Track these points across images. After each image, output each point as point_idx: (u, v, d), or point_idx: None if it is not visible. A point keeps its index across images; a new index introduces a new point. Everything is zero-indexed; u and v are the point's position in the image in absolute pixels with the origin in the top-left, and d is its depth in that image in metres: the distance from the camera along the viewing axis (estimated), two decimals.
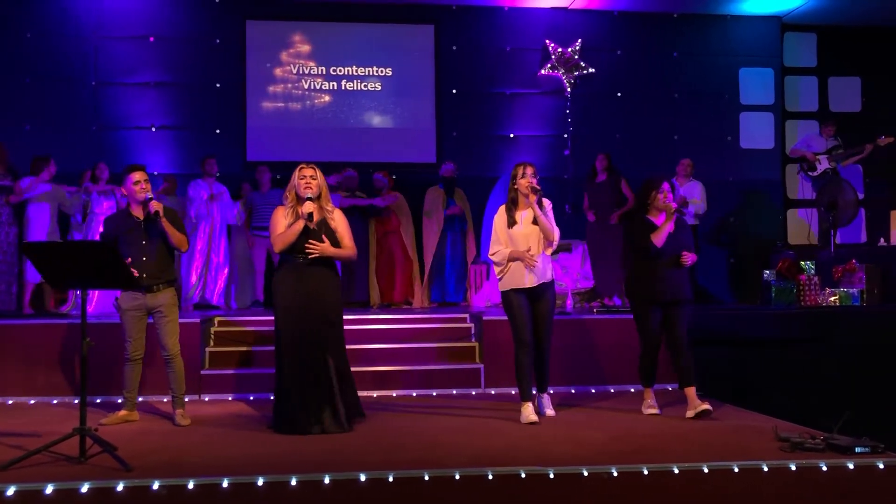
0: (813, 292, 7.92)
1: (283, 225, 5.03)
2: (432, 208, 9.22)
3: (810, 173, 9.54)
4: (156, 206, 5.09)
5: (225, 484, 3.70)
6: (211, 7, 9.98)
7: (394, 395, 6.46)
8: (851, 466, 4.02)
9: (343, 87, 10.18)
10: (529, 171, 5.27)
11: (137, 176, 5.16)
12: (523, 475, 3.87)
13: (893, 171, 10.48)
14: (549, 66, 10.30)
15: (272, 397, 5.28)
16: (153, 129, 9.81)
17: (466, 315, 7.51)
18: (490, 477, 3.85)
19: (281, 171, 9.08)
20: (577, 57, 10.27)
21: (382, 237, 9.21)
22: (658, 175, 5.74)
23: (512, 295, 5.27)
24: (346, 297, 8.94)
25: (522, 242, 5.24)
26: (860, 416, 5.83)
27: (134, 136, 9.75)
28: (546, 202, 5.35)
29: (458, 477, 3.82)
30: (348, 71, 10.18)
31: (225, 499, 3.66)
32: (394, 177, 9.78)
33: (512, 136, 10.35)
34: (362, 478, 3.77)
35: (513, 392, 6.26)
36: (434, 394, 6.49)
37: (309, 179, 5.04)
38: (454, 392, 6.54)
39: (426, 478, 3.80)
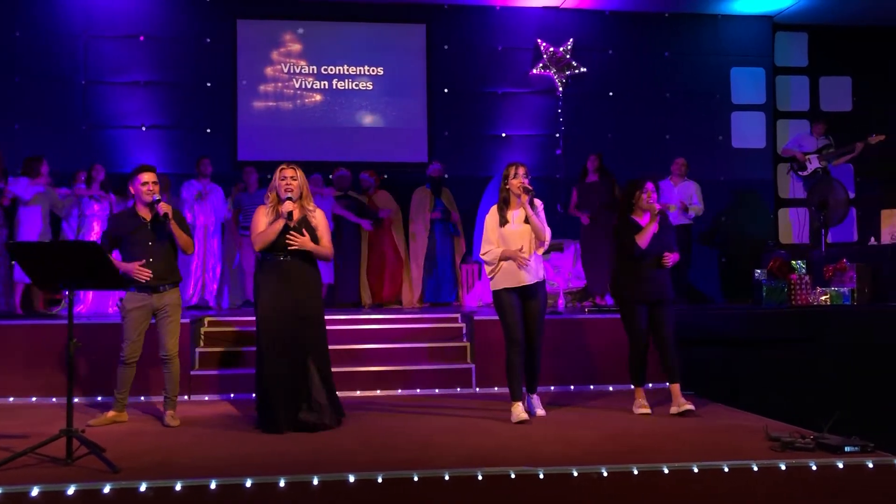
0: (804, 291, 7.92)
1: (263, 224, 5.08)
2: (419, 208, 9.21)
3: (800, 173, 9.55)
4: (165, 208, 5.08)
5: (213, 485, 3.67)
6: (201, 6, 9.95)
7: (385, 394, 6.44)
8: (841, 466, 4.02)
9: (334, 87, 10.15)
10: (521, 171, 5.28)
11: (146, 177, 5.13)
12: (513, 476, 3.85)
13: (884, 170, 10.51)
14: (540, 65, 10.30)
15: (254, 396, 5.26)
16: (143, 129, 9.77)
17: (458, 315, 7.49)
18: (480, 477, 3.83)
19: (272, 170, 8.96)
20: (568, 56, 10.28)
21: (373, 237, 9.20)
22: (642, 176, 5.76)
23: (503, 294, 5.27)
24: (338, 297, 8.96)
25: (514, 241, 5.24)
26: (851, 415, 5.85)
27: (124, 135, 9.70)
28: (538, 202, 5.36)
29: (447, 478, 3.80)
30: (340, 70, 10.16)
31: (212, 500, 3.64)
32: (385, 176, 9.79)
33: (504, 135, 10.34)
34: (351, 479, 3.75)
35: (504, 392, 6.23)
36: (425, 394, 6.48)
37: (290, 180, 5.08)
38: (445, 392, 6.53)
39: (415, 478, 3.78)
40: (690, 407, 5.36)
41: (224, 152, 9.83)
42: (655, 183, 5.58)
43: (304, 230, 5.05)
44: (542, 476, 3.86)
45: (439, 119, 10.25)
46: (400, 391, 6.51)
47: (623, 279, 5.55)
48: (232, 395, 6.34)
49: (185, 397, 6.23)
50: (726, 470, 3.96)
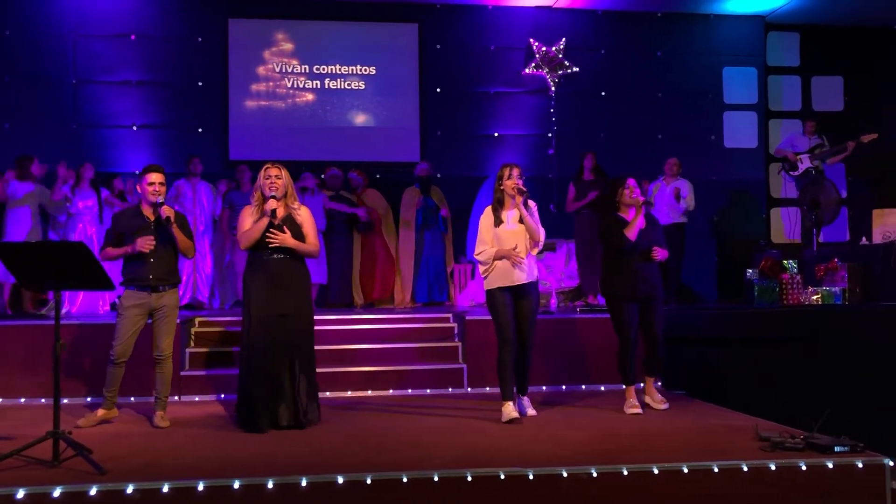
0: (795, 291, 7.93)
1: (249, 223, 5.13)
2: (409, 209, 9.20)
3: (792, 173, 9.57)
4: (167, 211, 5.08)
5: (200, 487, 3.65)
6: (193, 5, 9.92)
7: (376, 395, 6.42)
8: (831, 466, 4.02)
9: (326, 86, 10.13)
10: (515, 172, 5.32)
11: (152, 177, 5.12)
12: (503, 476, 3.84)
13: (875, 170, 10.54)
14: (533, 65, 10.29)
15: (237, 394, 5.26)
16: (134, 128, 9.73)
17: (449, 315, 7.48)
18: (469, 478, 3.82)
19: None
20: (561, 56, 10.27)
21: (364, 237, 9.18)
22: (622, 173, 5.79)
23: (497, 293, 5.28)
24: (330, 297, 8.94)
25: (509, 241, 5.26)
26: (842, 414, 5.86)
27: (115, 134, 9.67)
28: (532, 203, 5.40)
29: (436, 479, 3.79)
30: (332, 70, 10.13)
31: (200, 502, 3.62)
32: (377, 176, 9.77)
33: (496, 135, 10.33)
34: (340, 480, 3.74)
35: (495, 391, 6.22)
36: (416, 394, 6.46)
37: (274, 179, 5.11)
38: (437, 392, 6.51)
39: (404, 480, 3.77)
40: (666, 407, 5.60)
41: (216, 152, 9.80)
42: (637, 179, 5.60)
43: (284, 227, 5.07)
44: (531, 477, 3.85)
45: (432, 118, 10.23)
46: (391, 391, 6.49)
47: (612, 277, 5.57)
48: (222, 396, 6.31)
49: (175, 398, 6.19)
50: (716, 470, 3.96)
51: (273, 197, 5.05)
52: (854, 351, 7.14)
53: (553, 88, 10.31)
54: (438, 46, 10.29)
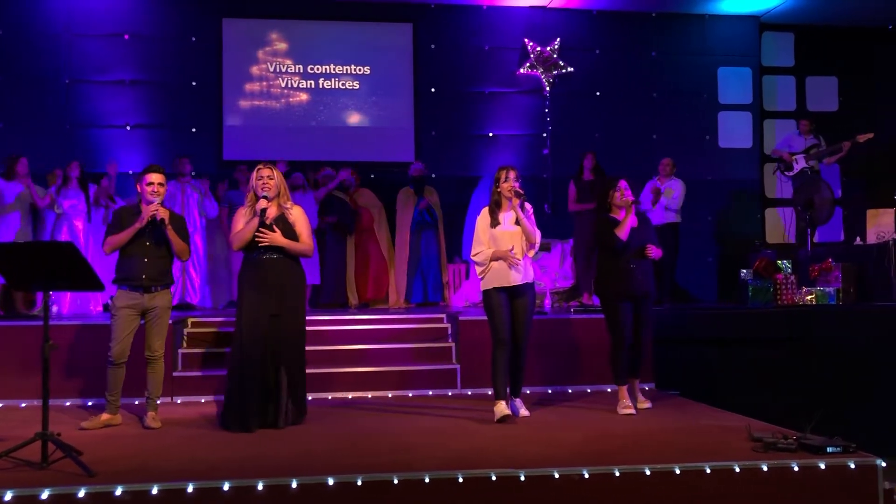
0: (789, 291, 7.93)
1: (241, 224, 5.16)
2: (403, 209, 9.18)
3: (787, 173, 9.56)
4: (162, 213, 5.05)
5: (190, 489, 3.63)
6: (187, 4, 9.89)
7: (369, 396, 6.39)
8: (823, 466, 4.01)
9: (320, 86, 10.11)
10: (512, 174, 5.37)
11: (152, 177, 5.11)
12: (494, 478, 3.83)
13: (869, 171, 10.55)
14: (527, 65, 10.28)
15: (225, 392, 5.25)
16: (128, 128, 9.70)
17: (443, 315, 7.46)
18: (460, 480, 3.80)
19: None
20: (555, 56, 10.26)
21: (359, 237, 9.16)
22: (627, 175, 5.84)
23: (493, 293, 5.33)
24: (325, 298, 8.91)
25: (505, 243, 5.31)
26: (836, 414, 5.85)
27: (108, 134, 9.63)
28: (528, 206, 5.44)
29: (427, 480, 3.77)
30: (326, 69, 10.11)
31: None
32: (372, 176, 9.75)
33: (491, 135, 10.32)
34: (330, 482, 3.72)
35: (489, 392, 6.20)
36: (410, 395, 6.44)
37: (266, 179, 5.14)
38: (430, 393, 6.49)
39: (395, 481, 3.75)
40: (648, 405, 5.69)
41: (209, 152, 9.78)
42: (632, 180, 5.63)
43: (274, 227, 5.08)
44: (523, 478, 3.83)
45: (426, 118, 10.22)
46: (384, 392, 6.46)
47: (607, 277, 5.61)
48: (215, 397, 6.27)
49: (168, 399, 6.16)
50: (708, 471, 3.94)
51: (264, 197, 5.07)
52: (848, 351, 7.15)
53: (548, 88, 10.30)
54: (433, 46, 10.28)
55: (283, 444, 4.60)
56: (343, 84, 10.15)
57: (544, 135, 10.30)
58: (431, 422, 5.35)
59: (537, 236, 5.35)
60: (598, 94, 10.50)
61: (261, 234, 5.02)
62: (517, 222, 5.33)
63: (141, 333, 5.23)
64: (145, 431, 5.06)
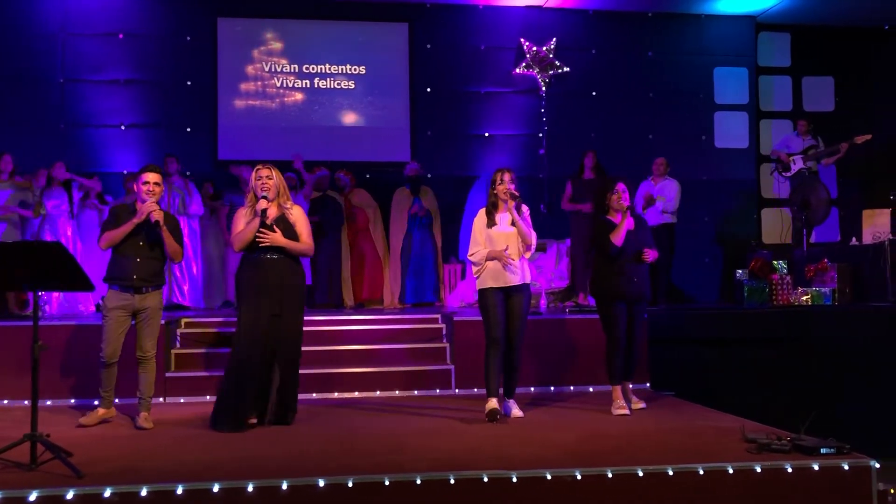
0: (785, 291, 7.93)
1: (242, 224, 5.15)
2: (398, 209, 9.16)
3: (784, 174, 9.56)
4: (157, 215, 5.02)
5: (179, 490, 3.61)
6: (181, 4, 9.86)
7: (363, 396, 6.37)
8: (816, 468, 3.99)
9: (316, 86, 10.08)
10: (507, 177, 5.42)
11: (147, 177, 5.09)
12: (486, 479, 3.80)
13: (866, 171, 10.53)
14: (523, 64, 10.26)
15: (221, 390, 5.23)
16: (123, 128, 9.67)
17: (438, 316, 7.44)
18: (452, 481, 3.78)
19: None
20: (551, 56, 10.24)
21: (354, 237, 9.14)
22: (622, 176, 5.85)
23: (489, 293, 5.37)
24: (320, 298, 8.88)
25: (501, 243, 5.37)
26: (831, 414, 5.85)
27: (103, 134, 9.60)
28: (524, 208, 5.50)
29: (419, 481, 3.75)
30: (321, 69, 10.09)
31: None
32: (367, 175, 9.73)
33: (487, 135, 10.30)
34: (321, 483, 3.69)
35: (483, 393, 6.18)
36: (403, 395, 6.42)
37: (265, 179, 5.14)
38: (424, 393, 6.47)
39: (386, 483, 3.73)
40: (642, 406, 5.68)
41: (205, 151, 9.76)
42: (626, 184, 5.62)
43: (275, 227, 5.09)
44: (514, 479, 3.81)
45: (422, 118, 10.19)
46: (378, 393, 6.44)
47: (602, 278, 5.62)
48: (208, 398, 6.23)
49: (161, 399, 6.14)
50: (701, 472, 3.92)
51: (264, 197, 5.07)
52: (844, 351, 7.15)
53: (544, 88, 10.28)
54: (429, 46, 10.25)
55: (275, 445, 4.58)
56: (338, 84, 10.12)
57: (540, 135, 10.28)
58: (424, 422, 5.32)
59: (533, 238, 5.41)
60: (594, 94, 10.48)
61: (262, 235, 5.02)
62: (513, 223, 5.37)
63: (131, 334, 5.21)
64: (137, 432, 5.03)
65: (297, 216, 5.23)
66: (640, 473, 3.89)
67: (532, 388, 6.55)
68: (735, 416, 5.37)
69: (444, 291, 9.22)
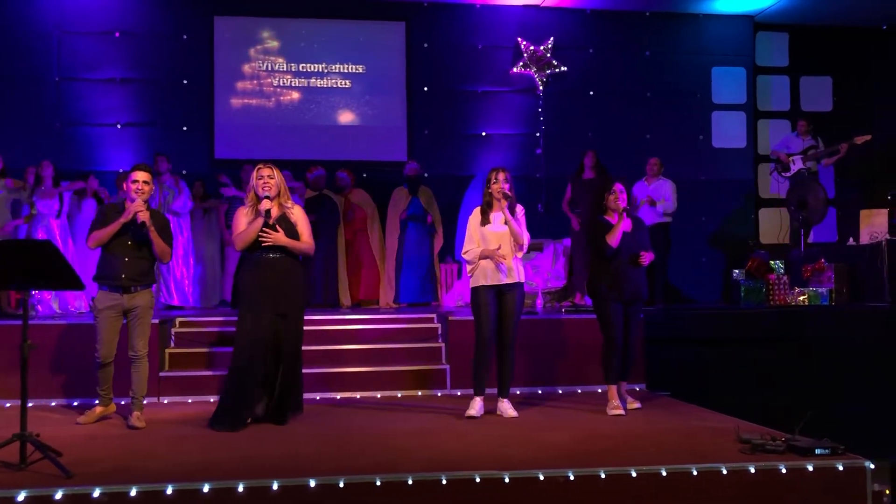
0: (782, 291, 7.91)
1: (244, 224, 5.17)
2: (396, 208, 9.14)
3: (784, 174, 9.54)
4: (143, 215, 4.99)
5: (169, 490, 3.59)
6: (178, 2, 9.83)
7: (357, 396, 6.35)
8: (811, 468, 3.97)
9: (313, 85, 10.05)
10: (501, 176, 5.45)
11: (136, 176, 5.08)
12: (478, 480, 3.78)
13: (864, 171, 10.51)
14: (521, 64, 10.23)
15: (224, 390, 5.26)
16: (118, 127, 9.63)
17: (434, 315, 7.42)
18: (444, 482, 3.76)
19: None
20: (549, 55, 10.22)
21: (351, 237, 9.11)
22: (618, 176, 5.84)
23: (481, 291, 5.41)
24: (317, 297, 8.84)
25: (494, 242, 5.41)
26: (828, 415, 5.82)
27: (98, 133, 9.57)
28: (519, 208, 5.52)
29: (410, 482, 3.73)
30: (318, 68, 10.06)
31: None
32: (364, 175, 9.70)
33: (484, 134, 10.27)
34: (312, 483, 3.67)
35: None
36: (399, 395, 6.40)
37: (267, 179, 5.16)
38: (419, 393, 6.45)
39: (378, 483, 3.71)
40: (637, 406, 5.70)
41: (201, 150, 9.73)
42: (625, 184, 5.62)
43: (277, 227, 5.11)
44: (507, 480, 3.79)
45: (419, 117, 10.16)
46: (373, 392, 6.42)
47: (599, 278, 5.62)
48: (201, 397, 6.22)
49: (154, 399, 6.12)
50: (695, 473, 3.91)
51: (267, 197, 5.08)
52: (840, 351, 7.13)
53: (541, 88, 10.25)
54: (426, 45, 10.22)
55: (268, 445, 4.56)
56: (335, 83, 10.09)
57: (537, 134, 10.26)
58: (419, 423, 5.30)
59: (525, 238, 5.43)
60: (591, 93, 10.45)
61: (265, 235, 5.03)
62: (506, 223, 5.39)
63: (124, 333, 5.19)
64: (129, 431, 5.01)
65: (298, 215, 5.26)
66: (634, 474, 3.87)
67: (527, 388, 6.52)
68: (730, 417, 5.35)
69: (440, 291, 9.20)
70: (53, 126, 9.44)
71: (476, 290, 5.43)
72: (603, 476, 3.85)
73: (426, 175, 9.66)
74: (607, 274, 5.54)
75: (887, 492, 4.18)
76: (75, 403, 6.02)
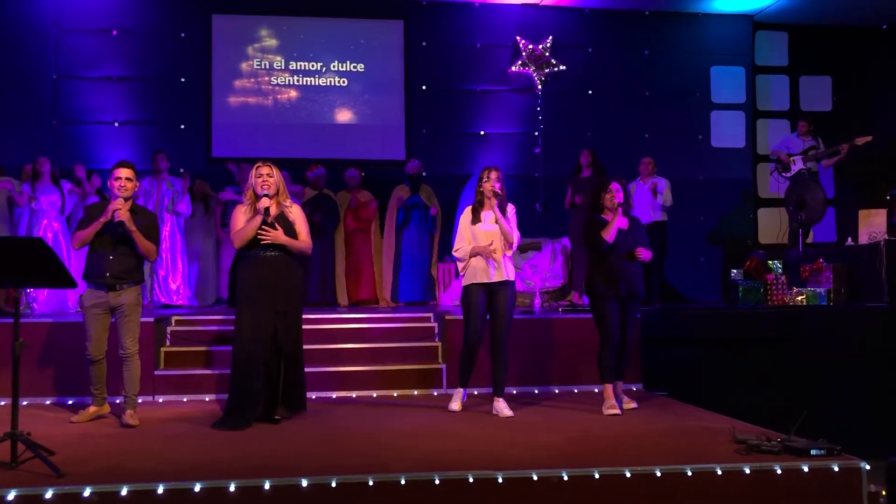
0: (780, 291, 7.87)
1: (242, 222, 5.17)
2: (394, 206, 9.10)
3: (784, 174, 9.50)
4: (121, 214, 4.95)
5: (160, 490, 3.57)
6: (176, 0, 9.80)
7: (353, 395, 6.33)
8: (806, 469, 3.95)
9: (311, 83, 10.03)
10: (493, 175, 5.49)
11: (119, 173, 5.06)
12: (471, 480, 3.76)
13: (863, 171, 10.47)
14: (519, 62, 10.21)
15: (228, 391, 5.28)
16: (116, 125, 9.61)
17: (430, 315, 7.39)
18: (437, 482, 3.74)
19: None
20: (547, 54, 10.19)
21: (350, 236, 9.08)
22: (607, 177, 5.88)
23: (472, 289, 5.46)
24: (315, 296, 8.82)
25: (484, 240, 5.44)
26: (824, 416, 5.80)
27: (96, 131, 9.55)
28: (510, 207, 5.56)
29: (403, 482, 3.71)
30: (316, 66, 10.04)
31: None
32: (362, 174, 9.68)
33: (482, 133, 10.25)
34: (304, 483, 3.65)
35: (475, 392, 6.17)
36: (395, 394, 6.39)
37: (265, 177, 5.16)
38: (416, 392, 6.43)
39: (370, 483, 3.69)
40: (635, 405, 5.71)
41: (198, 149, 9.71)
42: (621, 183, 5.62)
43: (276, 225, 5.11)
44: (500, 480, 3.77)
45: (417, 116, 10.14)
46: (369, 391, 6.40)
47: (596, 275, 5.62)
48: (197, 396, 6.21)
49: (150, 397, 6.11)
50: (689, 473, 3.89)
51: (265, 195, 5.07)
52: (838, 351, 7.10)
53: (539, 87, 10.23)
54: (424, 44, 10.20)
55: (263, 444, 4.54)
56: (333, 81, 10.07)
57: (536, 133, 10.24)
58: (415, 422, 5.28)
59: (515, 237, 5.46)
60: (590, 92, 10.43)
61: (264, 233, 5.02)
62: (497, 221, 5.41)
63: (115, 332, 5.17)
64: (123, 430, 4.99)
65: (297, 214, 5.26)
66: (628, 474, 3.85)
67: (523, 388, 6.50)
68: (726, 417, 5.34)
69: (438, 290, 9.18)
70: (50, 124, 9.42)
71: (467, 288, 5.49)
72: (597, 476, 3.83)
73: (424, 174, 9.63)
74: (603, 271, 5.54)
75: (883, 493, 4.16)
76: (70, 402, 6.00)
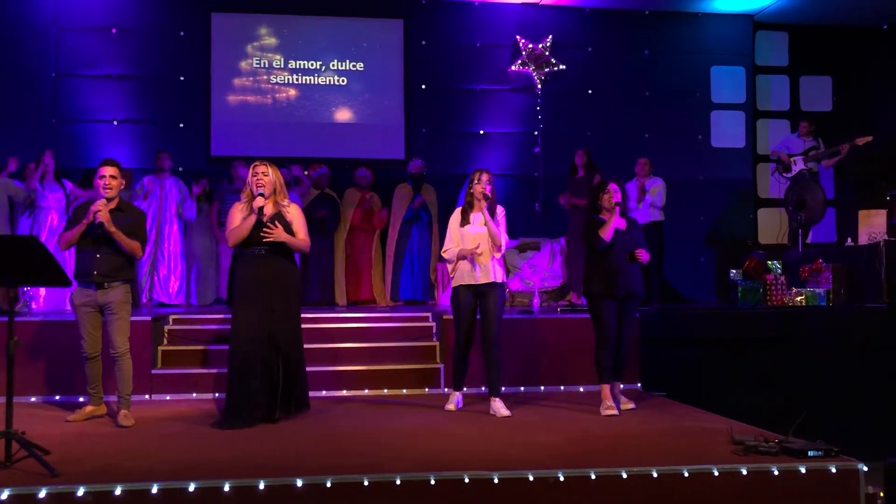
0: (779, 292, 7.86)
1: (237, 220, 5.16)
2: (399, 206, 9.10)
3: (785, 174, 9.49)
4: (101, 216, 4.90)
5: (154, 490, 3.56)
6: None
7: (351, 395, 6.32)
8: (804, 470, 3.94)
9: (310, 82, 10.01)
10: (484, 177, 5.53)
11: (104, 171, 5.05)
12: (467, 480, 3.75)
13: (862, 171, 10.45)
14: (519, 62, 10.19)
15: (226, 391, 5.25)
16: (115, 123, 9.59)
17: (429, 314, 7.39)
18: (432, 482, 3.73)
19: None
20: (547, 53, 10.17)
21: (350, 235, 9.06)
22: (606, 178, 5.86)
23: (461, 291, 5.52)
24: (314, 296, 8.80)
25: (473, 242, 5.48)
26: (823, 416, 5.79)
27: (95, 129, 9.52)
28: (499, 209, 5.59)
29: (398, 482, 3.70)
30: (316, 65, 10.02)
31: None
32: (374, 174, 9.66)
33: (482, 132, 10.23)
34: (299, 483, 3.64)
35: (471, 393, 6.14)
36: (393, 393, 6.37)
37: (261, 176, 5.15)
38: (413, 392, 6.41)
39: (365, 483, 3.67)
40: (631, 406, 5.70)
41: (197, 147, 9.68)
42: (619, 183, 5.63)
43: (275, 224, 5.10)
44: (496, 481, 3.76)
45: (417, 115, 10.11)
46: (367, 391, 6.40)
47: (593, 275, 5.62)
48: (193, 395, 6.20)
49: (146, 397, 6.10)
50: (686, 474, 3.88)
51: (261, 195, 5.06)
52: (837, 352, 7.09)
53: (539, 86, 10.20)
54: (424, 43, 10.17)
55: (259, 444, 4.52)
56: (333, 80, 10.05)
57: (535, 133, 10.22)
58: (412, 422, 5.26)
59: (503, 239, 5.49)
60: (590, 91, 10.40)
61: (266, 232, 5.01)
62: (485, 224, 5.44)
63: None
64: (118, 430, 4.98)
65: (295, 214, 5.25)
66: (624, 475, 3.84)
67: (522, 388, 6.49)
68: (724, 418, 5.32)
69: (437, 290, 9.16)
70: (49, 122, 9.39)
71: (455, 290, 5.56)
72: (593, 477, 3.82)
73: (424, 173, 9.62)
74: (600, 271, 5.54)
75: (881, 494, 4.15)
76: (63, 400, 5.98)
